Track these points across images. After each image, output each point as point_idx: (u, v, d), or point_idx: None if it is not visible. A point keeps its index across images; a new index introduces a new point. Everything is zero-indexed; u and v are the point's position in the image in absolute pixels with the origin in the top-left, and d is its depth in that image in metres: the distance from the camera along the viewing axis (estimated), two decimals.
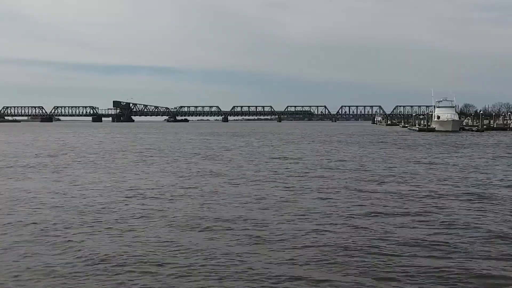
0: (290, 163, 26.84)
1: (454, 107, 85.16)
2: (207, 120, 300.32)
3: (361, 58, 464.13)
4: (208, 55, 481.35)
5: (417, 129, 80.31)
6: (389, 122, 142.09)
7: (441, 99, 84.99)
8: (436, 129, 77.73)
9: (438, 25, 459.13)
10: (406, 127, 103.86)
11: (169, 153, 34.66)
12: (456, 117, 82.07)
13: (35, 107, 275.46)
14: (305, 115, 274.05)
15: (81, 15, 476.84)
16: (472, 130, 79.70)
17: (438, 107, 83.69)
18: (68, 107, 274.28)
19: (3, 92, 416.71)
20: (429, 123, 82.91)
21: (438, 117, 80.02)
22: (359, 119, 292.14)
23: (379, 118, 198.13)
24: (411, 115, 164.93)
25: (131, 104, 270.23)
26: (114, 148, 40.32)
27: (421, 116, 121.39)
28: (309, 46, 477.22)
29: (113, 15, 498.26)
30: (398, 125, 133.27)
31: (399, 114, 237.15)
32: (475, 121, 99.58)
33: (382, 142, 49.16)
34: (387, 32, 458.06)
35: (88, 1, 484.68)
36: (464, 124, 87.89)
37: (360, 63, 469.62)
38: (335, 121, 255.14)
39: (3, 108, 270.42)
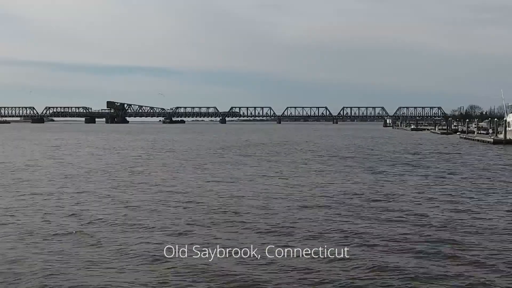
0: None
1: None
2: (202, 120, 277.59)
3: (361, 59, 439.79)
4: (205, 56, 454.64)
5: (492, 140, 57.62)
6: (413, 127, 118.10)
7: None
8: None
9: (438, 26, 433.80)
10: (456, 133, 79.05)
11: None
12: None
13: (26, 107, 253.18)
14: (301, 116, 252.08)
15: (78, 16, 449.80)
16: None
17: None
18: (60, 107, 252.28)
19: None
20: (498, 132, 60.30)
21: None
22: (355, 120, 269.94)
23: (389, 121, 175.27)
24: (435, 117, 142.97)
25: (125, 105, 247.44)
26: None
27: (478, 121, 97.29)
28: (309, 47, 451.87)
29: (109, 16, 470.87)
30: (425, 129, 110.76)
31: (403, 116, 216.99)
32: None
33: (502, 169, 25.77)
34: (387, 33, 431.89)
35: (84, 2, 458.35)
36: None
37: (360, 64, 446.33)
38: (336, 123, 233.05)
39: None
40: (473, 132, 69.31)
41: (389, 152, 40.19)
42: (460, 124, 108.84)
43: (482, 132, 71.89)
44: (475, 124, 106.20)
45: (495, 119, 67.06)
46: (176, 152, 39.92)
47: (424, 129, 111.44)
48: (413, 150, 43.63)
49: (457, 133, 74.25)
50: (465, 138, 67.54)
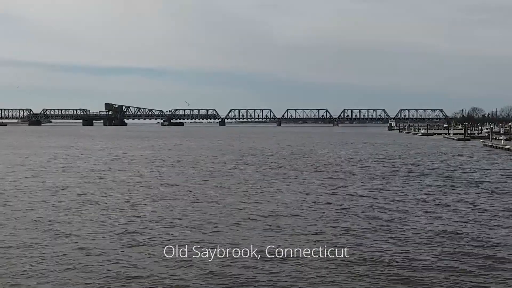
0: None
1: None
2: (201, 122, 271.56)
3: (361, 60, 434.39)
4: (205, 56, 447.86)
5: None
6: (423, 131, 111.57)
7: None
8: None
9: (438, 26, 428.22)
10: (480, 140, 71.38)
11: None
12: None
13: (23, 109, 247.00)
14: (301, 118, 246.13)
15: (78, 16, 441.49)
16: None
17: None
18: (58, 109, 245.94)
19: None
20: None
21: None
22: (354, 122, 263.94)
23: (393, 123, 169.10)
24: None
25: (123, 107, 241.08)
26: None
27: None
28: (309, 47, 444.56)
29: (109, 16, 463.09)
30: (435, 134, 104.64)
31: (404, 118, 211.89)
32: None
33: None
34: (387, 33, 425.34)
35: (84, 2, 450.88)
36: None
37: (360, 65, 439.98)
38: (337, 125, 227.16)
39: None
40: (500, 140, 62.96)
41: (431, 169, 33.79)
42: (469, 128, 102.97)
43: (500, 138, 65.75)
44: (486, 128, 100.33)
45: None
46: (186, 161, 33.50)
47: (435, 134, 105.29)
48: (461, 165, 37.23)
49: (481, 140, 67.51)
50: (491, 146, 61.04)
